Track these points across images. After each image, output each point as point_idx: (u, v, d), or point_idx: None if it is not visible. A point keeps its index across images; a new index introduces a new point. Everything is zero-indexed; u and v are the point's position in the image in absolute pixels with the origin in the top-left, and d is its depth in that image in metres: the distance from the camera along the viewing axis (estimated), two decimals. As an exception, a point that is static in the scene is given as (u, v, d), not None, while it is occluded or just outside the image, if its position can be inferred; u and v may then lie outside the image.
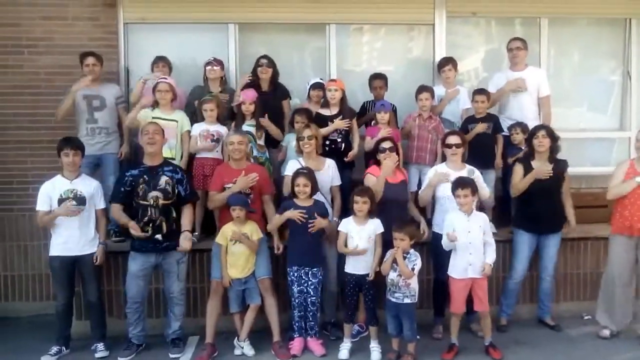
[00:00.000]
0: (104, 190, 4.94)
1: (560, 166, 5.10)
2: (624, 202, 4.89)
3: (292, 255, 4.83)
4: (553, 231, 5.16)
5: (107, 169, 5.44)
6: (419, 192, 5.19)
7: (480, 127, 5.51)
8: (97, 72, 5.45)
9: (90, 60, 5.41)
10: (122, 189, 4.71)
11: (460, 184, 4.66)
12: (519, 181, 5.03)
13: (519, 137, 5.55)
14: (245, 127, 5.33)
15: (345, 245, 4.70)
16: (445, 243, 4.66)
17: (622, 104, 6.74)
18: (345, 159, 5.39)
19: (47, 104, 5.68)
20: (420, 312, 4.85)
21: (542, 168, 4.98)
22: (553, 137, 5.06)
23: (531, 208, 5.06)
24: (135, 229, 4.58)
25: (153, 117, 5.09)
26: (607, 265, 5.12)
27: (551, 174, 4.98)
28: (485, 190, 5.04)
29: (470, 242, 4.59)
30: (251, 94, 5.39)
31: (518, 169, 5.07)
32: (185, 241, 4.72)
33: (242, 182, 4.86)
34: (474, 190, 4.66)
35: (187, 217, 4.82)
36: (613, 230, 5.02)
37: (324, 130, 5.28)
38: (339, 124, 5.34)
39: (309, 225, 4.72)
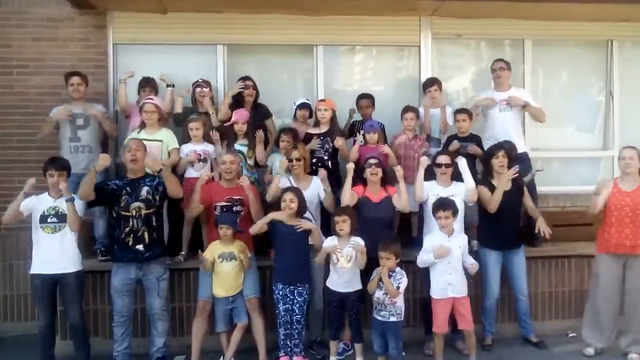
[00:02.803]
0: (87, 209, 4.90)
1: (519, 182, 5.18)
2: (610, 220, 4.95)
3: (277, 273, 4.84)
4: (515, 247, 5.21)
5: None
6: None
7: (453, 146, 5.54)
8: (82, 92, 5.51)
9: (75, 79, 5.47)
10: (103, 185, 4.76)
11: (442, 205, 4.71)
12: (491, 197, 5.05)
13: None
14: (237, 147, 5.39)
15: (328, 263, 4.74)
16: (422, 260, 4.71)
17: (605, 123, 6.87)
18: (335, 144, 5.43)
19: (36, 123, 5.70)
20: (407, 330, 4.89)
21: (505, 174, 5.02)
22: (511, 157, 5.15)
23: (493, 226, 5.11)
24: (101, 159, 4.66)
25: (140, 139, 5.10)
26: (592, 284, 5.15)
27: (517, 173, 5.03)
28: (471, 183, 5.00)
29: (450, 262, 4.65)
30: (244, 113, 5.47)
31: (483, 189, 5.10)
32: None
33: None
34: (455, 211, 4.72)
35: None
36: (598, 249, 5.07)
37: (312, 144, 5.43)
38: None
39: (295, 226, 4.72)
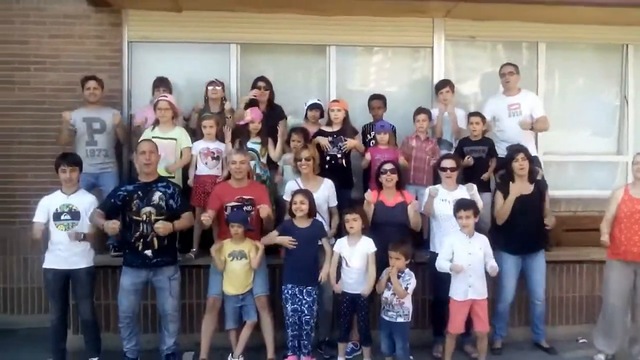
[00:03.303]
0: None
1: (540, 187, 5.15)
2: (620, 226, 4.90)
3: (287, 272, 4.85)
4: (535, 251, 5.18)
5: (107, 185, 5.46)
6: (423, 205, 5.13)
7: (465, 163, 5.47)
8: (98, 96, 5.57)
9: (91, 84, 5.53)
10: (112, 201, 4.75)
11: (462, 205, 4.70)
12: (500, 208, 5.06)
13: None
14: (250, 145, 5.42)
15: (340, 265, 4.74)
16: (439, 266, 4.68)
17: (619, 128, 6.82)
18: (348, 144, 5.46)
19: (51, 119, 5.76)
20: (416, 332, 4.90)
21: (515, 189, 5.00)
22: (531, 159, 5.13)
23: (513, 230, 5.07)
24: (110, 227, 4.49)
25: (152, 137, 5.15)
26: (605, 292, 5.10)
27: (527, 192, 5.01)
28: (480, 203, 5.03)
29: (470, 264, 4.63)
30: (259, 113, 5.50)
31: (498, 197, 5.10)
32: (163, 226, 4.58)
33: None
34: (476, 211, 4.71)
35: (182, 220, 4.76)
36: (608, 255, 5.03)
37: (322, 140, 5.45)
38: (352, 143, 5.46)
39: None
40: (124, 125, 5.80)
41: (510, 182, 5.09)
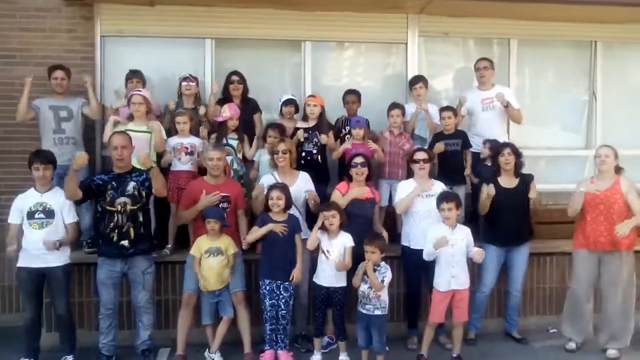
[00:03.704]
0: (76, 205, 4.89)
1: (525, 180, 5.25)
2: (585, 217, 5.05)
3: (264, 268, 4.87)
4: (520, 243, 5.29)
5: None
6: (397, 202, 5.17)
7: (437, 148, 5.58)
8: (65, 86, 5.51)
9: (58, 73, 5.46)
10: (88, 181, 4.73)
11: (446, 197, 4.79)
12: (484, 199, 5.15)
13: (486, 152, 5.69)
14: (228, 141, 5.42)
15: (317, 257, 4.79)
16: (427, 252, 4.75)
17: (587, 122, 6.99)
18: (322, 139, 5.48)
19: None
20: (391, 325, 4.94)
21: (490, 189, 5.09)
22: (517, 154, 5.22)
23: (498, 223, 5.17)
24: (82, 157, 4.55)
25: (126, 130, 5.10)
26: (572, 280, 5.26)
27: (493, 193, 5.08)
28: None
29: (453, 255, 4.71)
30: (237, 108, 5.50)
31: (484, 189, 5.19)
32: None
33: (205, 200, 4.88)
34: (458, 204, 4.80)
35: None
36: (575, 245, 5.18)
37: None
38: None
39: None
40: (92, 107, 5.61)
41: (498, 177, 5.20)
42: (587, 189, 4.97)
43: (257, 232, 4.82)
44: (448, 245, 4.65)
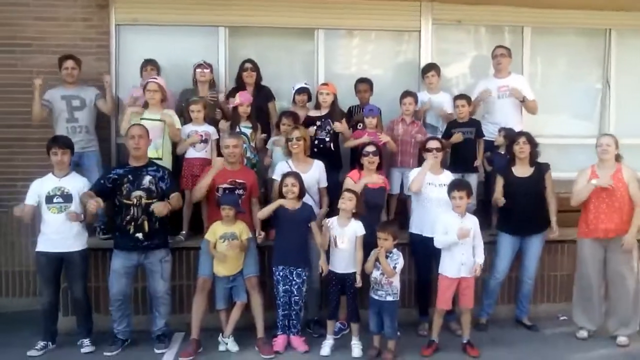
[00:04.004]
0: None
1: (541, 169, 5.26)
2: (588, 206, 5.07)
3: (278, 254, 4.93)
4: (535, 232, 5.30)
5: (89, 167, 5.50)
6: (410, 184, 5.15)
7: (455, 138, 5.61)
8: (76, 76, 5.56)
9: (69, 63, 5.51)
10: (102, 182, 4.79)
11: (457, 185, 4.81)
12: (496, 198, 5.20)
13: (500, 141, 5.69)
14: (241, 129, 5.45)
15: (329, 245, 4.82)
16: (442, 241, 4.77)
17: (601, 111, 6.96)
18: (336, 127, 5.51)
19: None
20: (402, 311, 4.98)
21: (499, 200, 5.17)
22: (533, 143, 5.22)
23: (514, 211, 5.18)
24: (90, 205, 4.51)
25: (141, 119, 5.17)
26: (579, 268, 5.27)
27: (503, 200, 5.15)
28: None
29: (463, 242, 4.74)
30: (248, 96, 5.53)
31: (499, 180, 5.21)
32: (162, 206, 4.68)
33: (218, 163, 4.97)
34: (470, 192, 4.82)
35: (173, 199, 4.80)
36: (579, 234, 5.20)
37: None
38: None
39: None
40: (108, 105, 5.72)
41: (513, 167, 5.23)
42: (600, 184, 4.95)
43: (268, 208, 4.87)
44: (469, 235, 4.68)
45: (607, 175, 4.99)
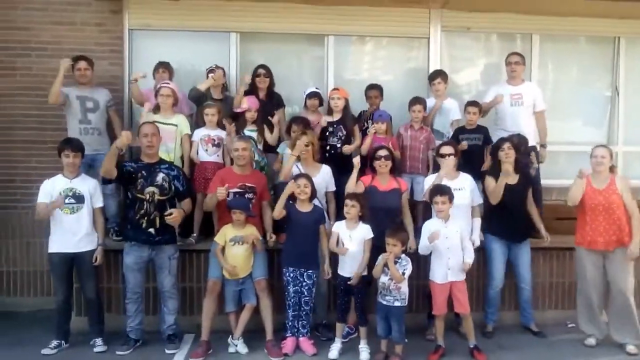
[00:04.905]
0: (102, 185, 5.10)
1: (527, 178, 5.31)
2: (584, 218, 5.09)
3: (288, 256, 4.98)
4: (520, 239, 5.34)
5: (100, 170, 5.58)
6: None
7: (461, 147, 5.58)
8: (89, 76, 5.64)
9: (82, 64, 5.59)
10: (122, 166, 4.84)
11: (439, 191, 4.85)
12: (493, 189, 5.17)
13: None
14: (247, 132, 5.52)
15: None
16: (422, 247, 4.84)
17: (610, 118, 6.99)
18: (344, 150, 5.57)
19: (53, 106, 5.77)
20: (410, 316, 5.01)
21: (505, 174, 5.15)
22: (517, 149, 5.26)
23: (502, 216, 5.21)
24: (124, 136, 4.68)
25: (153, 121, 5.23)
26: (579, 278, 5.28)
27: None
28: (479, 197, 5.26)
29: (448, 247, 4.79)
30: (255, 101, 5.60)
31: (490, 180, 5.23)
32: (177, 213, 4.80)
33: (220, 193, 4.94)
34: (451, 197, 4.85)
35: (184, 206, 4.98)
36: (577, 243, 5.21)
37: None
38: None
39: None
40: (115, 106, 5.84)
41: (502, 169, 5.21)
42: (585, 172, 5.01)
43: (279, 204, 4.90)
44: (441, 239, 4.71)
45: (601, 187, 5.04)
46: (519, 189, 5.23)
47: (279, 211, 4.91)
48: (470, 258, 4.86)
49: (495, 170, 5.25)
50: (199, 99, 5.68)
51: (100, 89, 5.76)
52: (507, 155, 5.19)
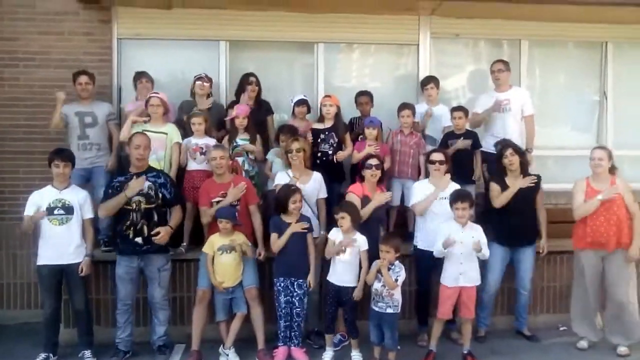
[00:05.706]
0: (95, 201, 5.06)
1: (536, 178, 5.29)
2: (585, 218, 5.09)
3: (279, 266, 4.95)
4: (527, 244, 5.33)
5: (98, 181, 5.54)
6: (415, 203, 5.20)
7: (460, 144, 5.67)
8: (90, 90, 5.61)
9: (83, 79, 5.57)
10: (110, 192, 4.86)
11: (460, 197, 4.84)
12: (498, 195, 5.18)
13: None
14: (238, 141, 5.50)
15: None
16: (437, 250, 4.82)
17: (598, 123, 7.02)
18: (335, 159, 5.55)
19: (42, 116, 5.80)
20: (402, 322, 4.98)
21: (521, 181, 5.16)
22: (520, 153, 5.26)
23: (505, 222, 5.20)
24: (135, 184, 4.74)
25: (144, 130, 5.22)
26: (576, 278, 5.29)
27: (535, 182, 5.18)
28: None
29: (462, 252, 4.77)
30: (244, 108, 5.57)
31: (495, 186, 5.24)
32: (164, 232, 4.81)
33: (233, 193, 5.00)
34: (472, 203, 4.86)
35: (174, 217, 4.98)
36: (576, 245, 5.22)
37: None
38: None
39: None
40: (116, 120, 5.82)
41: (505, 177, 5.23)
42: (606, 197, 4.97)
43: (280, 240, 4.87)
44: (457, 245, 4.71)
45: (606, 187, 5.02)
46: (526, 193, 5.22)
47: (278, 247, 4.89)
48: (485, 250, 4.82)
49: (500, 176, 5.25)
50: (190, 109, 5.66)
51: (100, 103, 5.72)
52: (512, 162, 5.18)
